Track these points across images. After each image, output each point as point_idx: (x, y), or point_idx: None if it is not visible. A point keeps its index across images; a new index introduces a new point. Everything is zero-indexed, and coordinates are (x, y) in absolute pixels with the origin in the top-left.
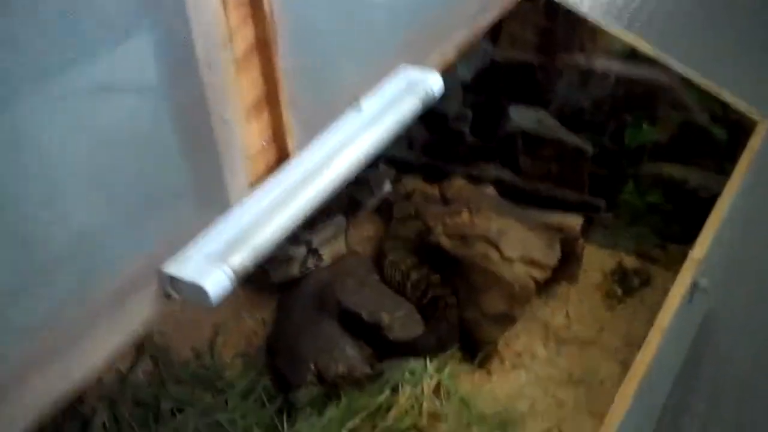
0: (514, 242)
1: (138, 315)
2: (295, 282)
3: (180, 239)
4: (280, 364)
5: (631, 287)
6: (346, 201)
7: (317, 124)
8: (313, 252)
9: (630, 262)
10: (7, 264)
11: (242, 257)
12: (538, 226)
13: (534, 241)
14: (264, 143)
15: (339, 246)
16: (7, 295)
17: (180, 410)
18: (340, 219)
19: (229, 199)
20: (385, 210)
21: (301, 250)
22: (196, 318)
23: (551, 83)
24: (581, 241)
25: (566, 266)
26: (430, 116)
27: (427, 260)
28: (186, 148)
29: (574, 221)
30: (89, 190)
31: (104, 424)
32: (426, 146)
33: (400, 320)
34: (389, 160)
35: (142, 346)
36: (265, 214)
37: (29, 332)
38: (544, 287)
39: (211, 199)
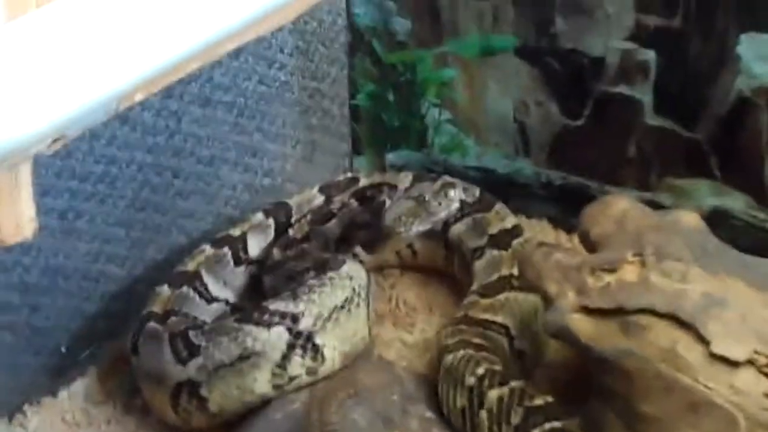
0: (738, 325)
1: None
2: (257, 414)
3: None
4: None
5: None
6: (366, 229)
7: None
8: (304, 340)
9: None
10: None
11: None
12: None
13: None
14: None
15: (353, 328)
16: None
17: None
18: (353, 268)
19: None
20: (451, 263)
21: (274, 337)
22: None
23: None
24: None
25: None
26: (565, 67)
27: (542, 376)
28: None
29: None
30: None
31: None
32: (556, 142)
33: None
34: (478, 174)
35: None
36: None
37: None
38: None
39: None
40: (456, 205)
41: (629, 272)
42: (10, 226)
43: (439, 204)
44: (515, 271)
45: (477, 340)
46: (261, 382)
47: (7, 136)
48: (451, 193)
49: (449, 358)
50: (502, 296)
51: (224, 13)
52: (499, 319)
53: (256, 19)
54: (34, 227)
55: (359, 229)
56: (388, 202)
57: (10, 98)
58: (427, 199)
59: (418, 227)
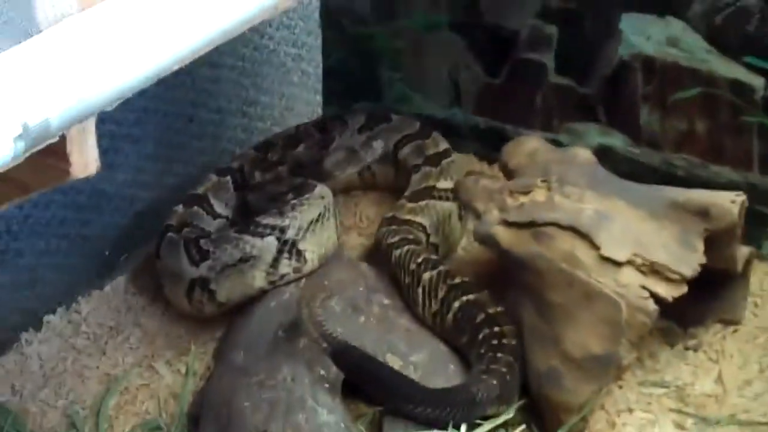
0: (621, 234)
1: None
2: (256, 303)
3: None
4: None
5: None
6: (310, 168)
7: None
8: (290, 246)
9: None
10: None
11: (39, 108)
12: (665, 208)
13: (657, 233)
14: None
15: (326, 236)
16: None
17: None
18: (324, 190)
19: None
20: (400, 180)
21: (267, 244)
22: (76, 368)
23: None
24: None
25: (720, 289)
26: (488, 38)
27: (471, 268)
28: None
29: (727, 201)
30: None
31: None
32: (481, 95)
33: (421, 366)
34: (421, 120)
35: None
36: (89, 48)
37: None
38: (678, 325)
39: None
40: (379, 152)
41: (539, 194)
42: (80, 165)
43: (366, 152)
44: (439, 184)
45: (411, 236)
46: (258, 279)
47: (88, 101)
48: (374, 144)
49: (396, 252)
50: (423, 202)
51: (225, 17)
52: (418, 219)
53: (253, 18)
54: (97, 165)
55: (304, 168)
56: (337, 139)
57: (90, 73)
58: (356, 149)
59: (350, 170)
